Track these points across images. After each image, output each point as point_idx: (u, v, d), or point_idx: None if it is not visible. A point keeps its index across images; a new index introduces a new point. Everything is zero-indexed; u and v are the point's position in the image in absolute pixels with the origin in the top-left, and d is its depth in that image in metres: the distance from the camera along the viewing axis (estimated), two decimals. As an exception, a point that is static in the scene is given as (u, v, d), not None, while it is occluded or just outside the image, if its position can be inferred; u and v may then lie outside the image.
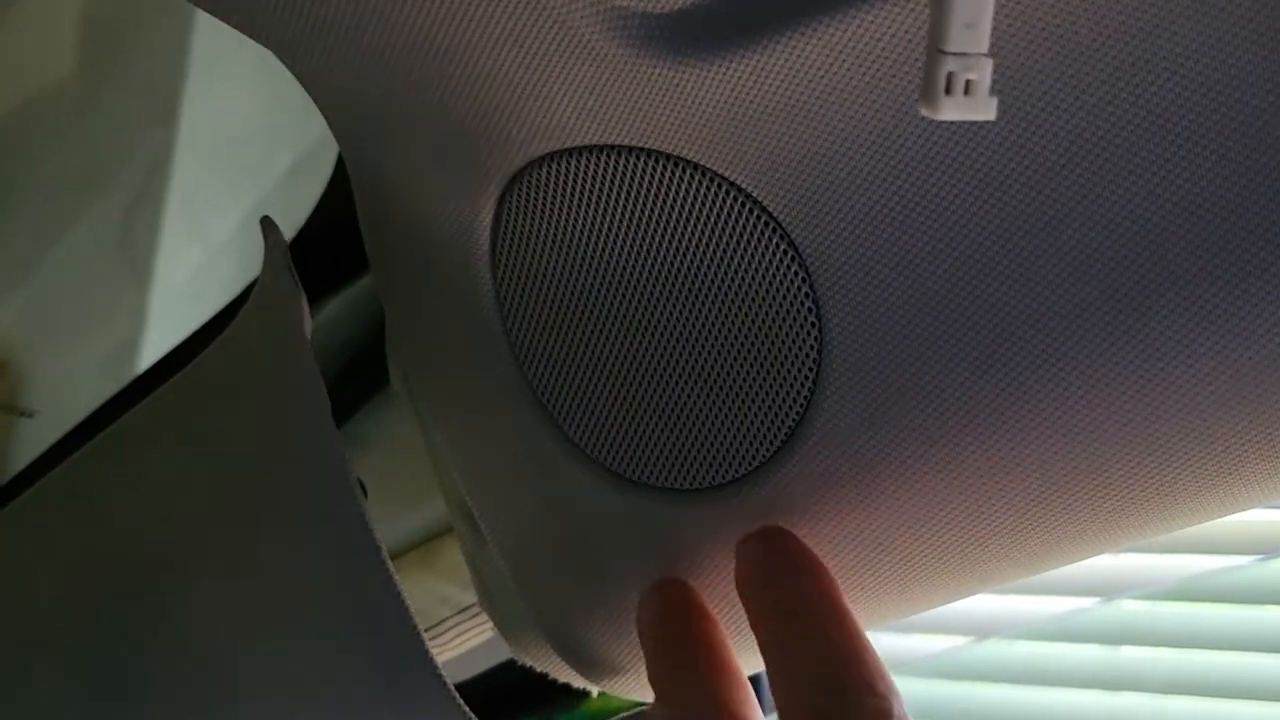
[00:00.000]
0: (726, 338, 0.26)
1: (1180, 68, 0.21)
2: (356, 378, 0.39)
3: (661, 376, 0.27)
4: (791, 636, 0.25)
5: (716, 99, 0.23)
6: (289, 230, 0.39)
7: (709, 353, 0.26)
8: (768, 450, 0.27)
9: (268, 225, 0.30)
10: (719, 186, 0.24)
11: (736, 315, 0.26)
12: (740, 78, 0.22)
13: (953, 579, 0.29)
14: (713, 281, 0.26)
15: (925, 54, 0.19)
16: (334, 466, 0.28)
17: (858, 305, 0.25)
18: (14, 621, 0.34)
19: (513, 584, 0.31)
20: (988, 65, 0.19)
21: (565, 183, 0.25)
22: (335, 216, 0.36)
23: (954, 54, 0.19)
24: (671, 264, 0.26)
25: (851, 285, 0.25)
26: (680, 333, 0.26)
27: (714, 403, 0.27)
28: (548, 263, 0.27)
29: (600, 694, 0.34)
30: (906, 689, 0.60)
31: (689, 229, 0.25)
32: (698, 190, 0.25)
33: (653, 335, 0.27)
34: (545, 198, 0.26)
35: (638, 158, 0.25)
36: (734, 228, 0.25)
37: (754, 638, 0.26)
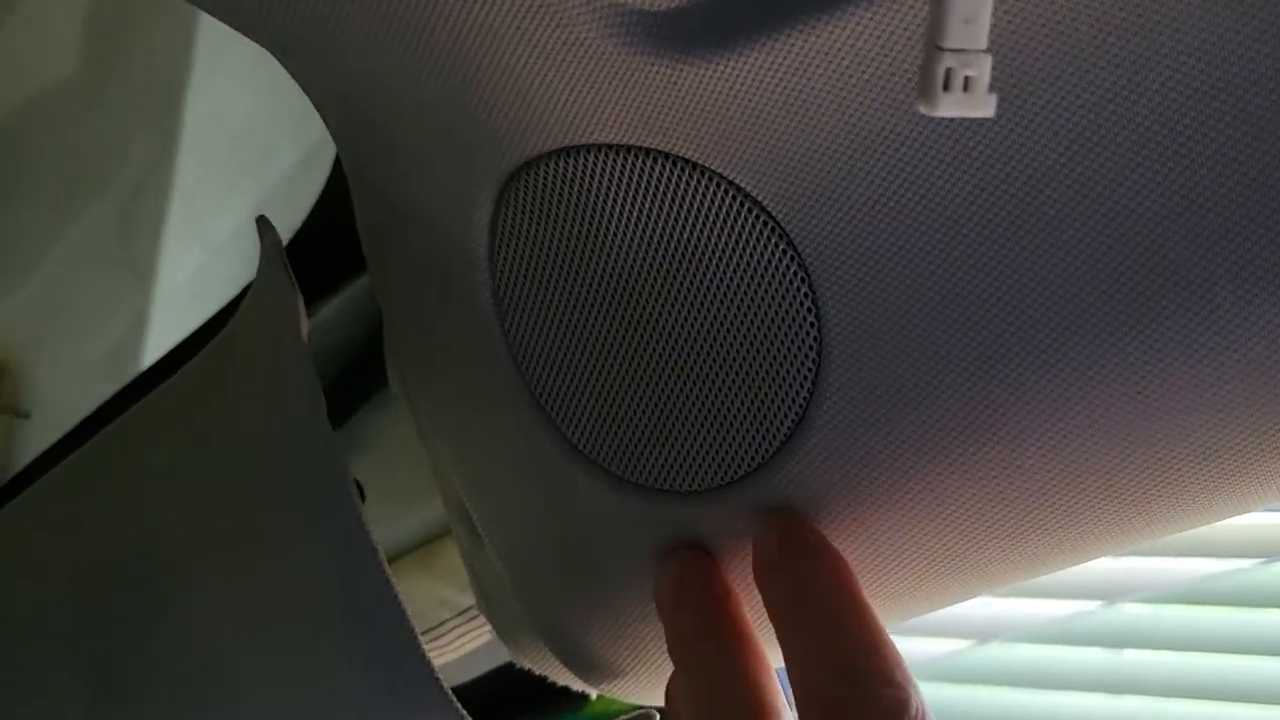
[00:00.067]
0: (725, 337, 0.26)
1: (1182, 64, 0.21)
2: (355, 378, 0.39)
3: (660, 377, 0.27)
4: (808, 627, 0.25)
5: (715, 97, 0.23)
6: (290, 230, 0.39)
7: (707, 353, 0.26)
8: (767, 451, 0.27)
9: (263, 225, 0.30)
10: (718, 185, 0.24)
11: (735, 314, 0.26)
12: (738, 76, 0.22)
13: (954, 581, 0.28)
14: (711, 280, 0.26)
15: (923, 50, 0.19)
16: (330, 467, 0.28)
17: (857, 304, 0.25)
18: (14, 621, 0.34)
19: (511, 586, 0.31)
20: (986, 62, 0.19)
21: (563, 181, 0.25)
22: (333, 216, 0.36)
23: (952, 50, 0.19)
24: (669, 263, 0.26)
25: (851, 284, 0.24)
26: (678, 333, 0.26)
27: (713, 403, 0.27)
28: (545, 262, 0.27)
29: (600, 697, 0.34)
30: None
31: (687, 228, 0.25)
32: (696, 189, 0.25)
33: (651, 335, 0.27)
34: (542, 196, 0.26)
35: (636, 156, 0.25)
36: (732, 226, 0.25)
37: (769, 633, 0.26)
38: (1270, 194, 0.22)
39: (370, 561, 0.27)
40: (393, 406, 0.38)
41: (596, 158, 0.25)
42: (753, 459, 0.27)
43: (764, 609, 0.26)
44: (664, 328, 0.26)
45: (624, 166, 0.25)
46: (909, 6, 0.21)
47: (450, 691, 0.27)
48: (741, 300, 0.26)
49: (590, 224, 0.26)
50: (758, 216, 0.24)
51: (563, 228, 0.26)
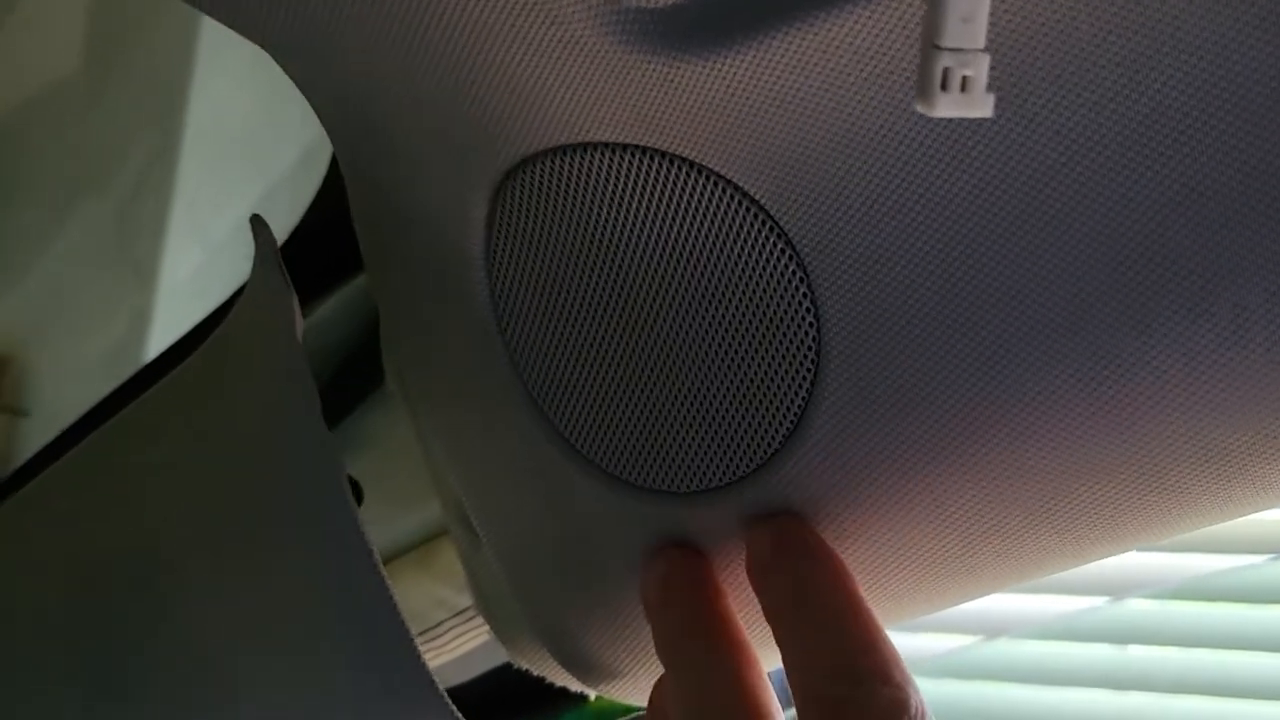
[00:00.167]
0: (723, 337, 0.26)
1: (1183, 61, 0.21)
2: (352, 378, 0.39)
3: (657, 377, 0.27)
4: (806, 627, 0.25)
5: (712, 95, 0.22)
6: (289, 229, 0.39)
7: (704, 352, 0.26)
8: (766, 452, 0.26)
9: (257, 224, 0.29)
10: (715, 184, 0.24)
11: (732, 314, 0.26)
12: (735, 74, 0.22)
13: (953, 582, 0.28)
14: (708, 280, 0.25)
15: (921, 49, 0.19)
16: (325, 467, 0.28)
17: (856, 304, 0.24)
18: (12, 619, 0.34)
19: (508, 586, 0.31)
20: (984, 61, 0.19)
21: (559, 180, 0.25)
22: (330, 215, 0.36)
23: (950, 49, 0.18)
24: (666, 262, 0.26)
25: (849, 283, 0.24)
26: (675, 332, 0.26)
27: (710, 403, 0.27)
28: (541, 261, 0.27)
29: (598, 698, 0.34)
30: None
31: (684, 227, 0.25)
32: (694, 187, 0.24)
33: (647, 335, 0.26)
34: (539, 195, 0.26)
35: (633, 155, 0.24)
36: (730, 225, 0.25)
37: (767, 634, 0.26)
38: (1271, 182, 0.22)
39: (366, 562, 0.27)
40: (390, 406, 0.38)
41: (593, 156, 0.25)
42: (751, 459, 0.27)
43: (757, 611, 0.26)
44: (660, 327, 0.26)
45: (620, 165, 0.25)
46: (907, 5, 0.21)
47: (444, 692, 0.27)
48: (739, 300, 0.25)
49: (586, 223, 0.26)
50: (755, 216, 0.24)
51: (559, 227, 0.26)
